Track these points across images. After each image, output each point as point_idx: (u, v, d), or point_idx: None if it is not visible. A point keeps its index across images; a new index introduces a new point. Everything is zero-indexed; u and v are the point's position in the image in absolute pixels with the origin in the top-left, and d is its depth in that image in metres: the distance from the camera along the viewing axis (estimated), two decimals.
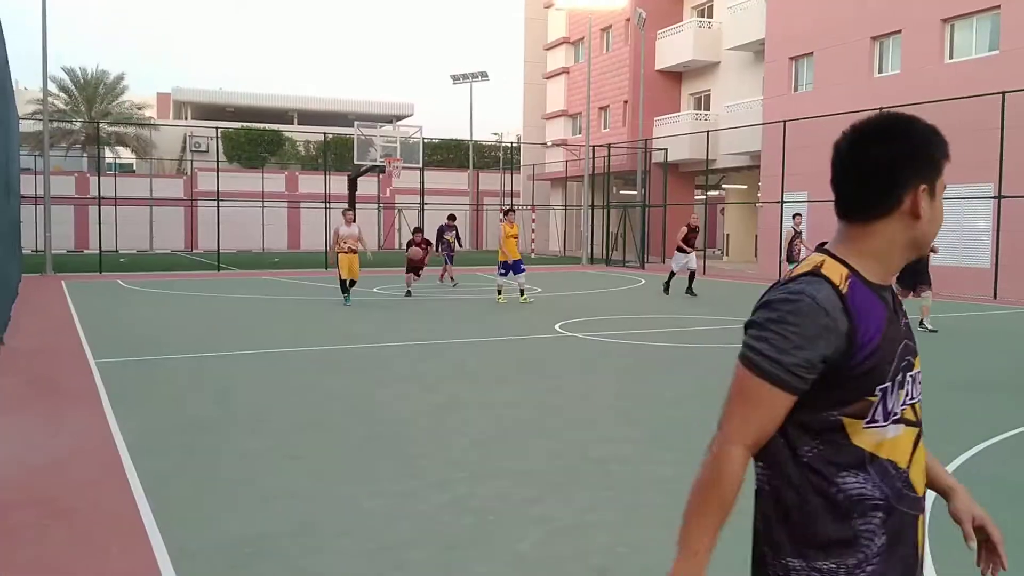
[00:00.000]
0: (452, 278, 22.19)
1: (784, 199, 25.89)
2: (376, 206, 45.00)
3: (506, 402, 8.06)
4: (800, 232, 19.02)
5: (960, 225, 21.34)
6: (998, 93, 19.27)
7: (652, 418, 7.46)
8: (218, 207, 29.31)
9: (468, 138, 48.71)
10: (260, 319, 15.11)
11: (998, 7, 20.76)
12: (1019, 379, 9.55)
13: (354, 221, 17.47)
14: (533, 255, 41.44)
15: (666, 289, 19.33)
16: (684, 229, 19.00)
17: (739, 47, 32.57)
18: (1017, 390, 8.85)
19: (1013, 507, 5.15)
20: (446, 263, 22.35)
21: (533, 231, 43.22)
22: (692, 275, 19.18)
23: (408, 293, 18.49)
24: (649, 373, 9.83)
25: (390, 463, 5.94)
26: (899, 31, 23.60)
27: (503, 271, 17.37)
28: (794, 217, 19.41)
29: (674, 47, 36.24)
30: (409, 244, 19.73)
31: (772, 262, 26.60)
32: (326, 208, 30.49)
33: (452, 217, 23.01)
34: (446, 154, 54.37)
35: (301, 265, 30.85)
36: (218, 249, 29.85)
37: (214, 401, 8.09)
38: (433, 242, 21.72)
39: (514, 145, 48.07)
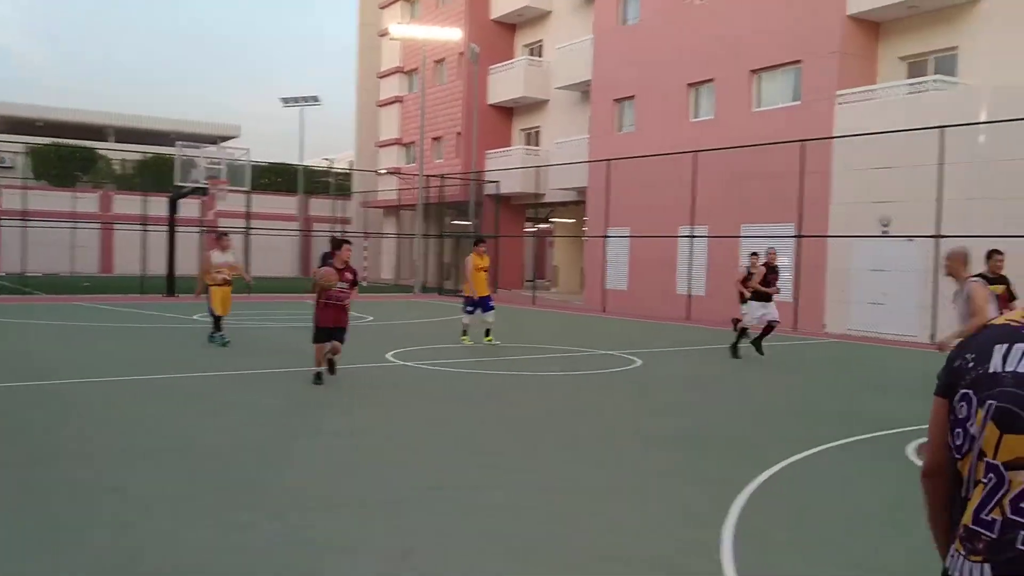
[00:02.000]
0: None
1: (608, 234, 27.04)
2: (198, 230, 43.24)
3: (338, 431, 7.99)
4: (753, 273, 16.13)
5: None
6: (799, 141, 21.03)
7: (484, 444, 7.60)
8: (24, 227, 27.29)
9: (298, 162, 47.82)
10: (75, 346, 14.18)
11: (800, 62, 22.69)
12: (808, 401, 10.42)
13: (230, 247, 14.87)
14: (365, 283, 41.05)
15: (734, 352, 14.66)
16: (762, 269, 14.76)
17: (567, 86, 33.83)
18: (804, 413, 9.65)
19: (817, 514, 5.65)
20: None
21: (366, 259, 42.86)
22: (770, 328, 14.73)
23: (318, 377, 10.49)
24: (480, 400, 10.00)
25: (220, 495, 5.76)
26: (712, 80, 25.30)
27: (469, 308, 15.50)
28: (752, 256, 16.45)
29: (506, 83, 37.19)
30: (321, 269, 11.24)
31: (596, 293, 27.66)
32: (143, 230, 29.03)
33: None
34: (275, 178, 53.07)
35: (115, 290, 29.14)
36: (23, 272, 27.75)
37: (30, 432, 7.54)
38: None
39: (346, 171, 47.58)
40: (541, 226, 40.45)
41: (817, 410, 9.87)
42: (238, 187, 27.78)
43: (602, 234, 27.36)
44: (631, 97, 28.46)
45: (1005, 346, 1.75)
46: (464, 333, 15.69)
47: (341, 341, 10.61)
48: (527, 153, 36.35)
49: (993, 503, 1.70)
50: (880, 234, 19.80)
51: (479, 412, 9.28)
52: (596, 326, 21.32)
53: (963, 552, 1.74)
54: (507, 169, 34.95)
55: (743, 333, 14.85)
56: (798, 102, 22.75)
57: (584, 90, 32.75)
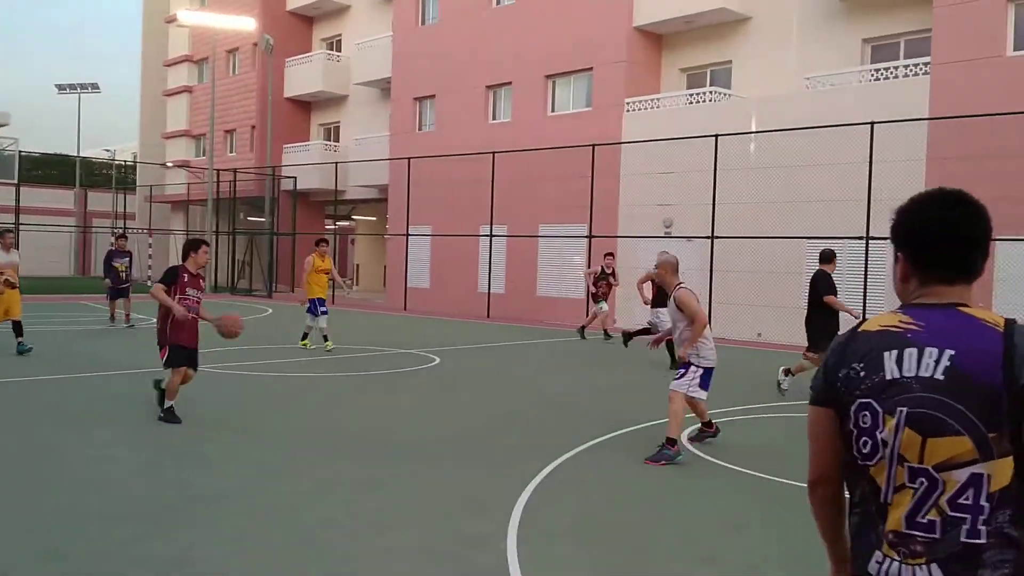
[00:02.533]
0: (128, 317, 17.50)
1: (409, 232, 27.00)
2: None
3: (107, 442, 7.46)
4: (611, 273, 17.14)
5: (562, 261, 23.81)
6: (590, 145, 21.90)
7: (266, 450, 7.36)
8: None
9: (75, 153, 44.41)
10: None
11: (591, 69, 23.64)
12: (595, 397, 10.88)
13: (14, 247, 13.32)
14: (150, 283, 38.72)
15: (625, 340, 15.01)
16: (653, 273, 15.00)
17: (367, 83, 33.46)
18: (590, 408, 10.07)
19: (591, 502, 5.87)
20: (111, 297, 17.54)
21: (150, 256, 40.44)
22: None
23: (172, 413, 8.23)
24: (267, 404, 9.67)
25: None
26: (510, 83, 25.86)
27: (324, 310, 14.36)
28: (606, 256, 17.51)
29: (303, 76, 36.28)
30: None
31: (399, 292, 27.54)
32: None
33: (123, 237, 18.32)
34: (49, 170, 49.01)
35: None
36: None
37: None
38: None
39: (129, 164, 44.67)
40: (342, 223, 39.79)
41: (603, 403, 10.30)
42: (5, 179, 25.41)
43: (403, 232, 27.28)
44: (432, 96, 28.57)
45: (895, 352, 1.80)
46: (311, 336, 14.72)
47: (196, 367, 8.55)
48: (326, 149, 35.63)
49: (929, 505, 1.74)
50: (663, 235, 20.99)
51: (264, 416, 8.97)
52: (397, 324, 21.25)
53: (897, 557, 1.76)
54: (305, 165, 34.10)
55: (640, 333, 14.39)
56: (590, 108, 23.69)
57: (384, 87, 32.52)
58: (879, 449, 1.79)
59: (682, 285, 7.54)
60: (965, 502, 1.72)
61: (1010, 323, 1.78)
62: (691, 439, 7.91)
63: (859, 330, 1.90)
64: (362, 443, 7.69)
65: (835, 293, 10.79)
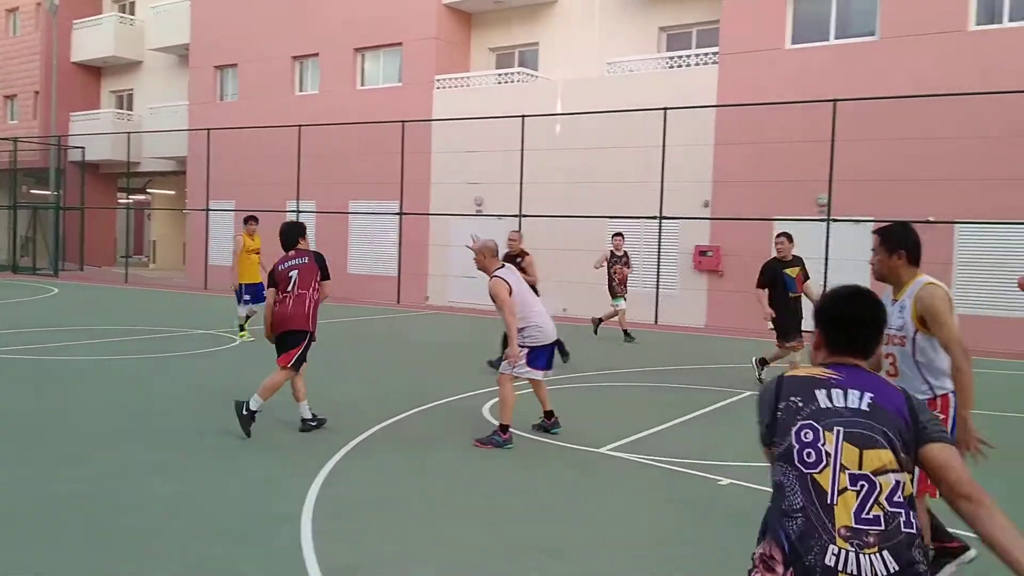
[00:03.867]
0: None
1: (210, 207, 25.86)
2: None
3: None
4: (622, 256, 14.40)
5: (373, 238, 23.59)
6: (398, 122, 21.78)
7: (55, 436, 6.91)
8: None
9: None
10: None
11: (401, 44, 23.45)
12: (400, 374, 10.96)
13: None
14: None
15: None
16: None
17: (163, 49, 31.58)
18: (395, 385, 10.15)
19: (394, 486, 5.95)
20: None
21: None
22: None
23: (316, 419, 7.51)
24: (53, 389, 9.06)
25: None
26: (317, 54, 25.21)
27: (247, 298, 13.07)
28: (614, 238, 14.51)
29: (93, 40, 33.72)
30: None
31: (199, 269, 26.36)
32: None
33: None
34: None
35: None
36: None
37: None
38: None
39: None
40: (136, 197, 37.49)
41: (408, 380, 10.38)
42: None
43: (204, 207, 26.08)
44: (234, 65, 27.38)
45: (823, 390, 2.34)
46: (241, 328, 13.37)
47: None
48: (118, 117, 33.36)
49: (872, 503, 2.19)
50: (475, 213, 21.29)
51: (51, 401, 8.40)
52: (197, 304, 20.35)
53: (852, 548, 2.16)
54: (95, 134, 31.80)
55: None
56: (400, 83, 23.53)
57: (183, 54, 30.83)
58: (823, 458, 2.25)
59: (497, 273, 7.06)
60: (898, 500, 2.21)
61: (900, 387, 2.42)
62: (535, 426, 7.68)
63: (786, 375, 2.45)
64: (156, 427, 7.38)
65: (771, 286, 9.87)
